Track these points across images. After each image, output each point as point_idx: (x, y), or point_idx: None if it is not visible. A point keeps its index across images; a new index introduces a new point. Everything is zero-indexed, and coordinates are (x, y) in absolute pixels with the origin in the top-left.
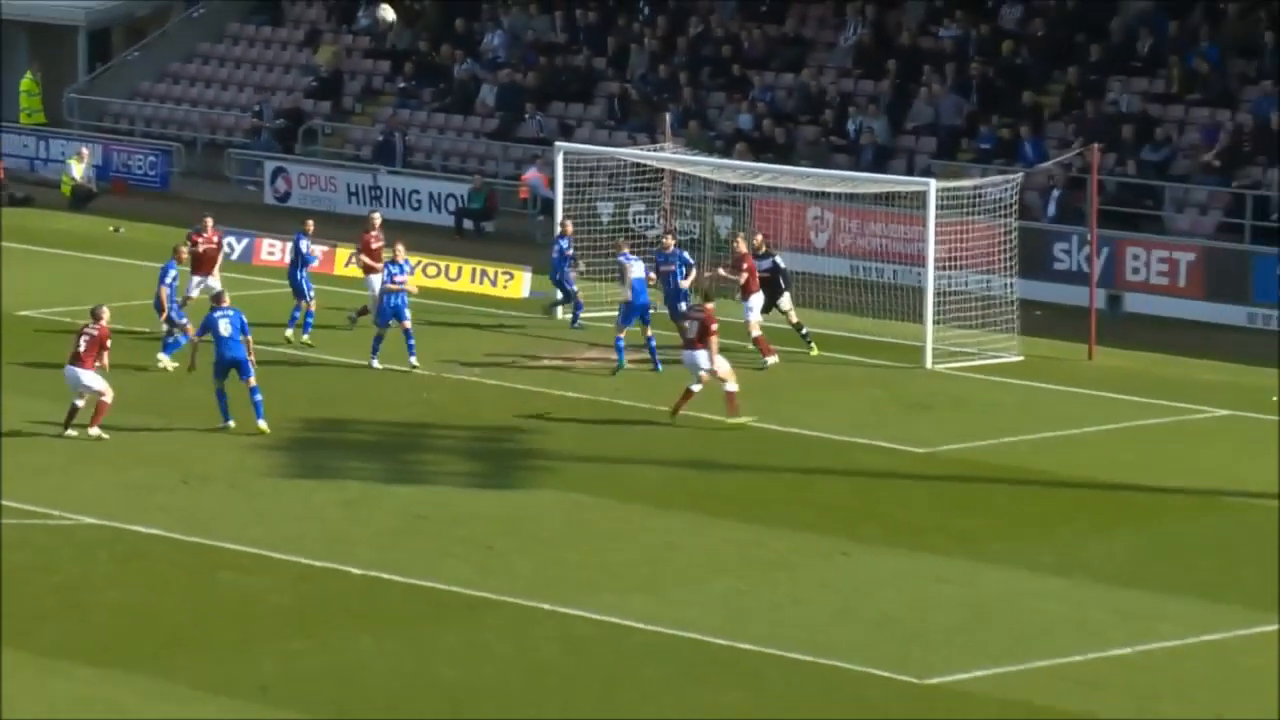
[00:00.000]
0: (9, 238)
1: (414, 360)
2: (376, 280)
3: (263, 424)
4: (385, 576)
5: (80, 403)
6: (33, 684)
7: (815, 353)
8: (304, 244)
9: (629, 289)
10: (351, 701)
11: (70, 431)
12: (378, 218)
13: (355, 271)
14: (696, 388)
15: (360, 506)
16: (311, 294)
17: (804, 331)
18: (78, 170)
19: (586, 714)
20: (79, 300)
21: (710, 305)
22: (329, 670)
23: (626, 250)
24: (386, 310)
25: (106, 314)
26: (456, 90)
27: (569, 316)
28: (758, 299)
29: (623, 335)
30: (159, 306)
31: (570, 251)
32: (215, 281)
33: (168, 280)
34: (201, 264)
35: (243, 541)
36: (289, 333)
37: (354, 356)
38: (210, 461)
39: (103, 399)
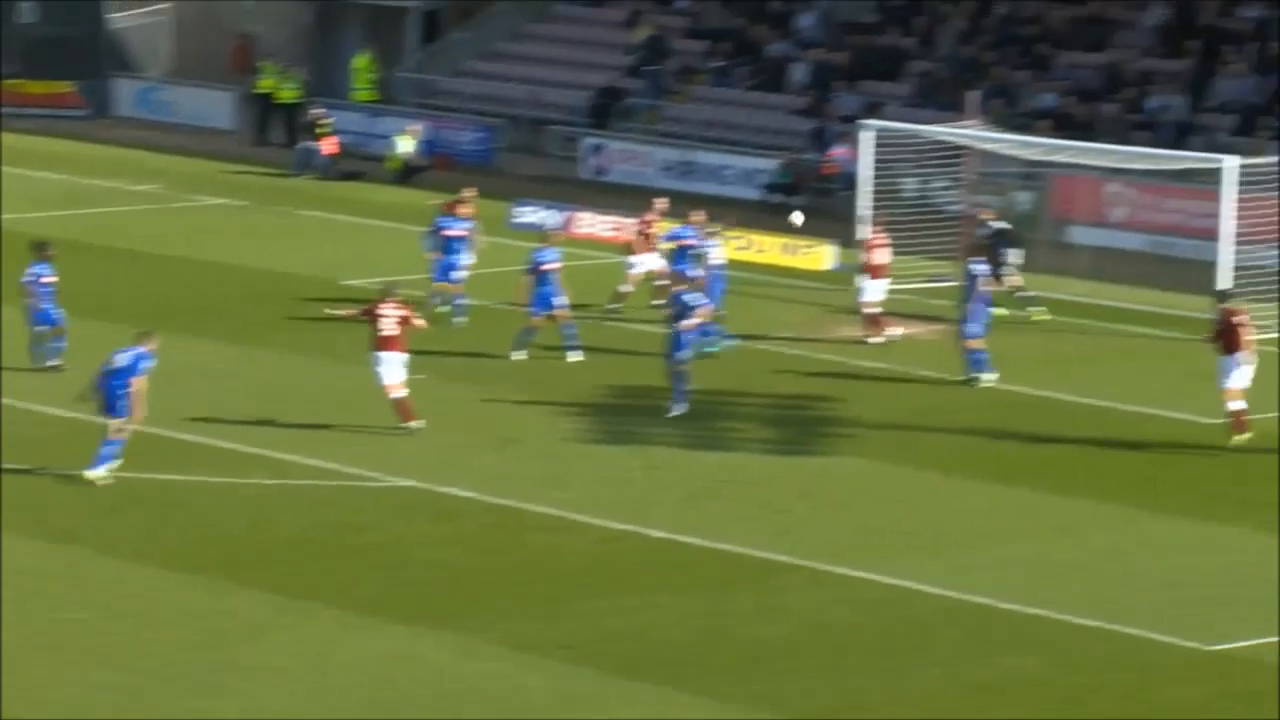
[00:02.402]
0: (338, 209)
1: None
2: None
3: None
4: (684, 540)
5: None
6: (348, 641)
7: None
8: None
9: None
10: (647, 660)
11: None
12: (661, 203)
13: None
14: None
15: (663, 470)
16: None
17: None
18: (407, 146)
19: (877, 675)
20: (405, 271)
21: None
22: (627, 630)
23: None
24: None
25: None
26: (769, 68)
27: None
28: None
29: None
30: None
31: None
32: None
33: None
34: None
35: (550, 504)
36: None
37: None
38: (521, 425)
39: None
